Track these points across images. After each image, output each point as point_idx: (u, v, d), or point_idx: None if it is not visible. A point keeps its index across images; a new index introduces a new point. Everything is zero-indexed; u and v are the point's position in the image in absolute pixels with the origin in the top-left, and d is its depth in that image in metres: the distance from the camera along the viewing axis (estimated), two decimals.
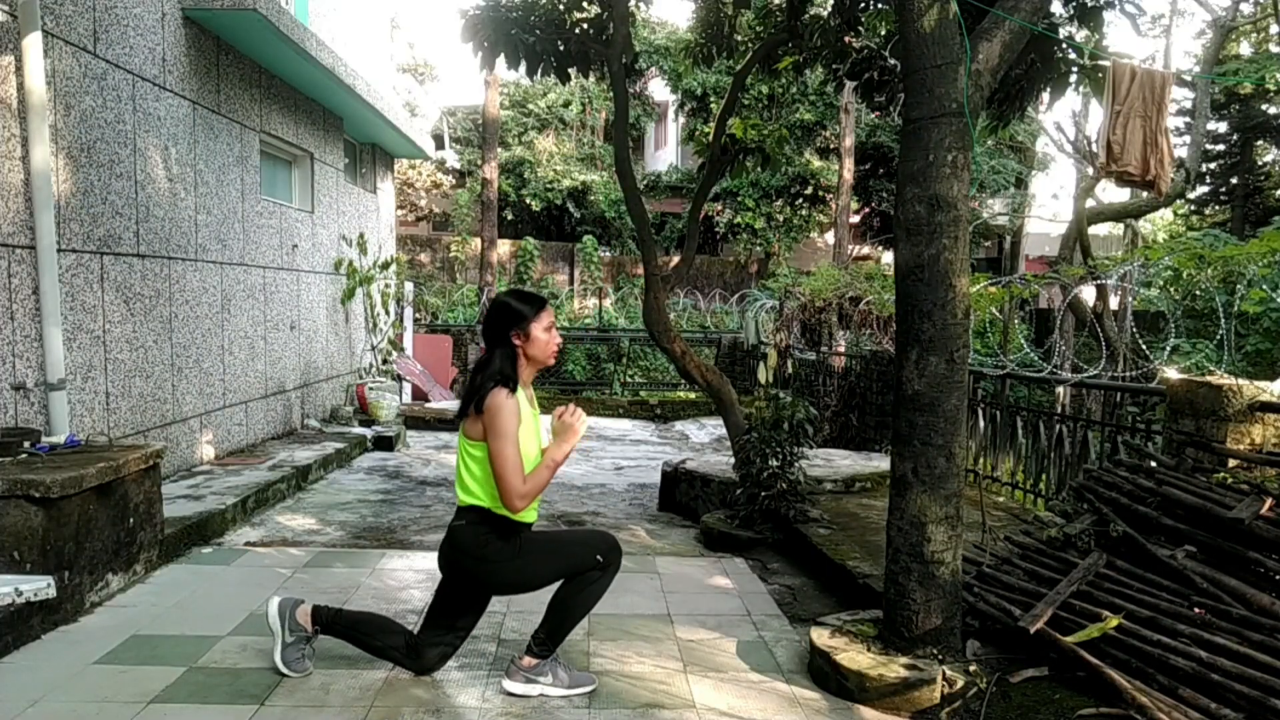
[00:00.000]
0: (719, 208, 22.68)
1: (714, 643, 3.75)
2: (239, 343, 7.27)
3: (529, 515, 3.14)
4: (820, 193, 22.16)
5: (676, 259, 7.90)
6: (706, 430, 11.20)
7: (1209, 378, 4.43)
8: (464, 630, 3.29)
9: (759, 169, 6.56)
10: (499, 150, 20.79)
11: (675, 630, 3.87)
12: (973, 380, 6.52)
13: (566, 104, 25.63)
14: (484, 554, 3.05)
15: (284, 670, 3.21)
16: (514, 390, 3.00)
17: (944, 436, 3.23)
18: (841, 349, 9.53)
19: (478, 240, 18.81)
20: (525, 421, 3.03)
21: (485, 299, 16.67)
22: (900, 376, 3.32)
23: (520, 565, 3.08)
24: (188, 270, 6.39)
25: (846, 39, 6.28)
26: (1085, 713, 2.86)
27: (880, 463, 6.57)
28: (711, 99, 21.87)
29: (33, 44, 4.54)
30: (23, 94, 4.58)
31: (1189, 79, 16.31)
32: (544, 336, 3.08)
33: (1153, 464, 4.15)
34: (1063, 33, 5.48)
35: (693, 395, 12.91)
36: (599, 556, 3.09)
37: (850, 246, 19.60)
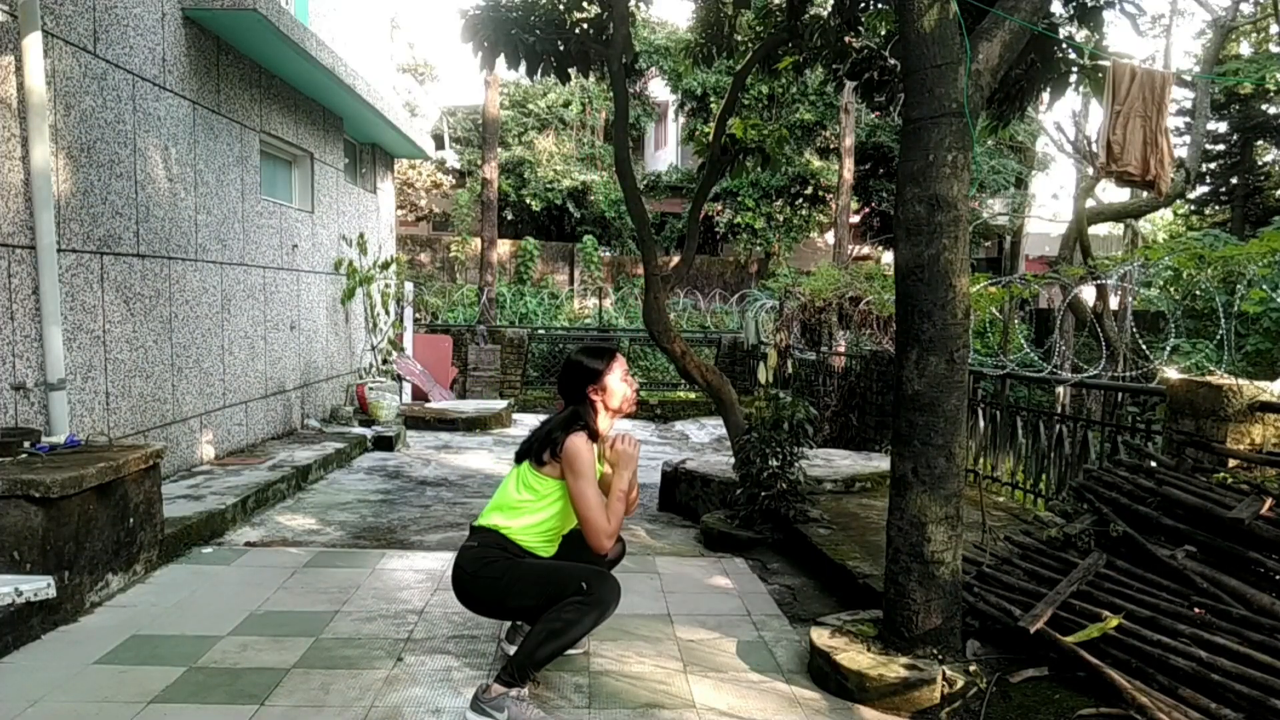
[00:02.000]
0: (719, 208, 22.68)
1: (714, 643, 3.75)
2: (239, 343, 7.27)
3: (548, 549, 3.18)
4: (820, 193, 22.16)
5: (676, 259, 7.90)
6: (706, 430, 11.20)
7: (1209, 378, 4.43)
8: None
9: (759, 169, 6.56)
10: (499, 150, 20.80)
11: (675, 630, 3.87)
12: (973, 380, 6.52)
13: (566, 104, 25.62)
14: (483, 570, 3.05)
15: None
16: (594, 439, 3.08)
17: (944, 436, 3.23)
18: (841, 349, 9.52)
19: (478, 240, 18.81)
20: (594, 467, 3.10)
21: (485, 299, 16.68)
22: (900, 376, 3.32)
23: (507, 581, 3.02)
24: (188, 270, 6.39)
25: (846, 39, 6.28)
26: (1085, 713, 2.86)
27: (880, 463, 6.57)
28: (711, 99, 21.87)
29: (33, 44, 4.54)
30: (23, 94, 4.58)
31: (1189, 79, 16.31)
32: (620, 387, 3.18)
33: (1153, 464, 4.15)
34: (1063, 33, 5.48)
35: (693, 395, 12.91)
36: (584, 584, 2.92)
37: (850, 246, 19.60)
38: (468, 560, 3.08)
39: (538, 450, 3.07)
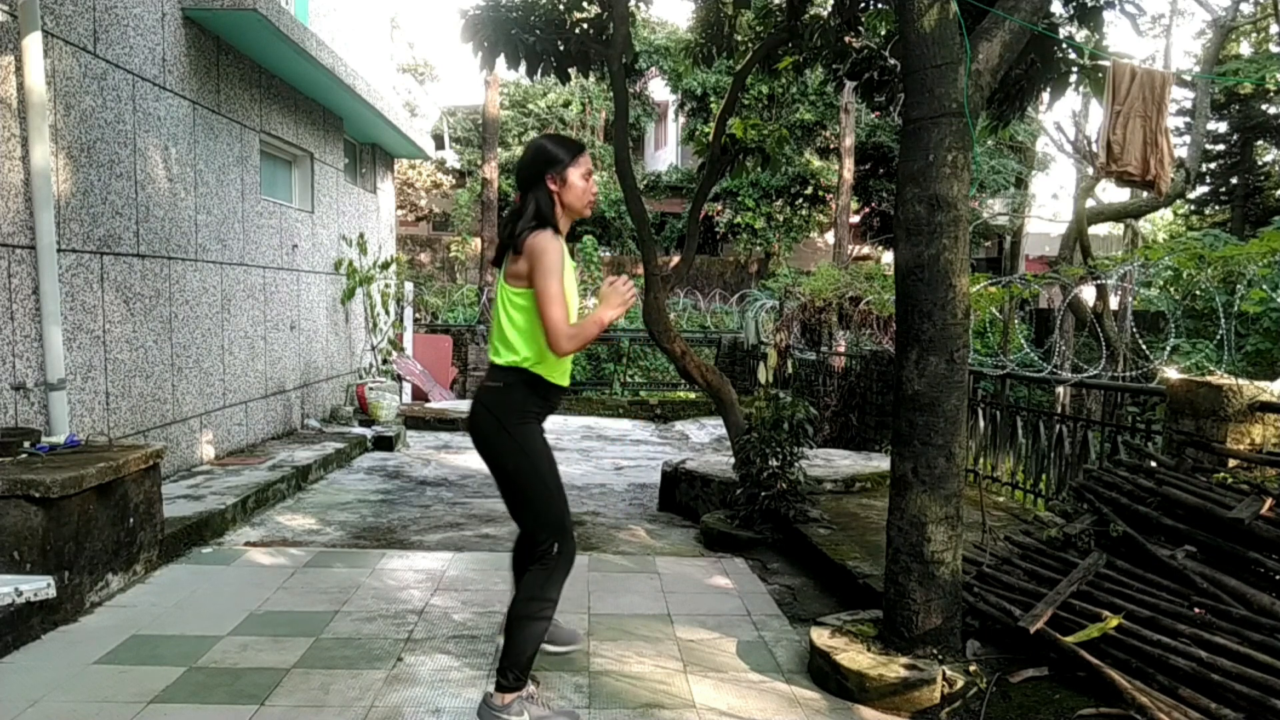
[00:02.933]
0: (719, 208, 22.69)
1: (714, 643, 3.75)
2: (239, 343, 7.27)
3: (564, 376, 2.96)
4: (820, 193, 22.17)
5: (676, 259, 7.91)
6: (706, 430, 11.20)
7: (1209, 378, 4.43)
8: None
9: (759, 169, 6.55)
10: (499, 150, 20.80)
11: (675, 630, 3.87)
12: (973, 380, 6.52)
13: (566, 104, 25.64)
14: (506, 420, 2.85)
15: None
16: (557, 232, 2.85)
17: (944, 436, 3.23)
18: (841, 349, 9.52)
19: (478, 240, 18.82)
20: (567, 270, 2.85)
21: (485, 299, 16.67)
22: (900, 376, 3.32)
23: (522, 454, 2.85)
24: (188, 270, 6.39)
25: (846, 39, 6.28)
26: (1085, 713, 2.86)
27: (880, 463, 6.57)
28: (711, 99, 21.88)
29: (33, 44, 4.54)
30: (23, 94, 4.58)
31: (1189, 79, 16.31)
32: (581, 184, 2.91)
33: (1153, 464, 4.15)
34: (1063, 33, 5.48)
35: (693, 395, 12.91)
36: (555, 545, 2.86)
37: (850, 246, 19.61)
38: (497, 402, 2.88)
39: (516, 244, 2.82)
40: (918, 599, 3.25)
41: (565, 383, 2.98)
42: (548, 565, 2.87)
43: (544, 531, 2.88)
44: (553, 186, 2.88)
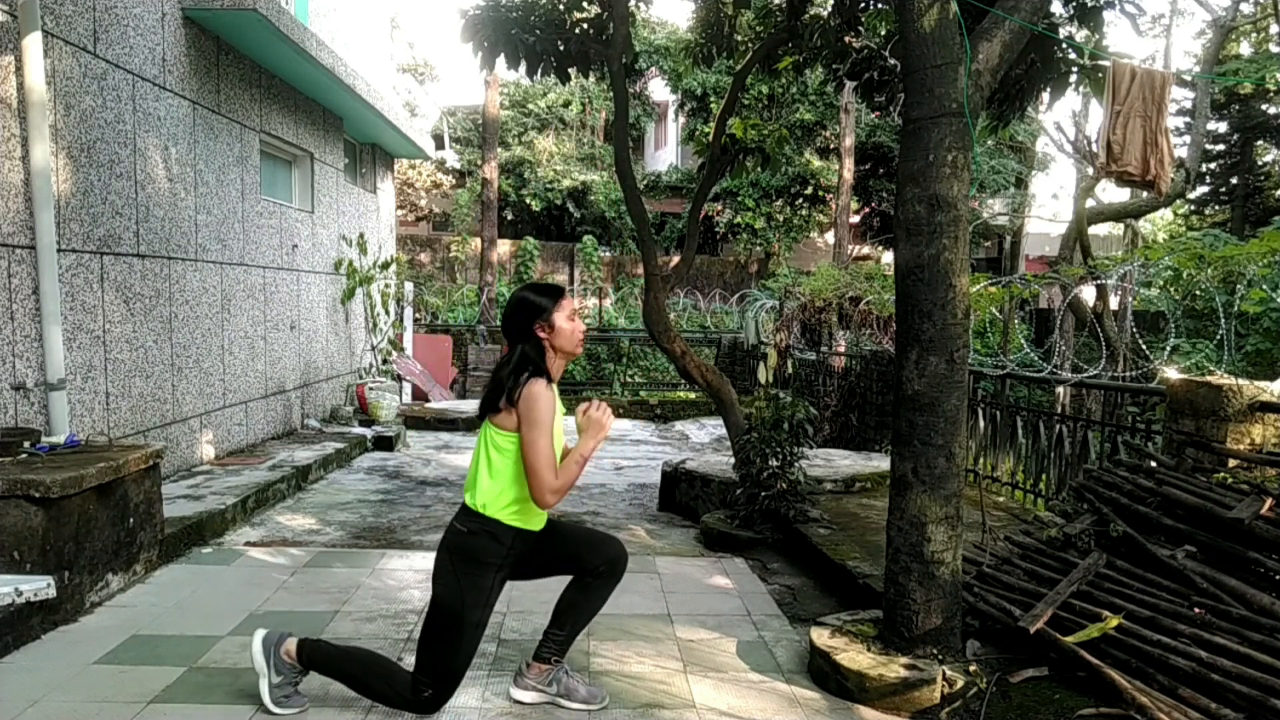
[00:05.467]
0: (719, 208, 22.68)
1: (714, 643, 3.75)
2: (239, 343, 7.27)
3: (539, 521, 3.00)
4: (820, 193, 22.16)
5: (676, 259, 7.90)
6: (706, 430, 11.19)
7: (1209, 378, 4.43)
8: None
9: (759, 169, 6.55)
10: (499, 150, 20.79)
11: (675, 630, 3.87)
12: (973, 380, 6.52)
13: (566, 104, 25.63)
14: (459, 564, 2.87)
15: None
16: (550, 382, 2.91)
17: (944, 436, 3.23)
18: (841, 349, 9.52)
19: (478, 240, 18.81)
20: (557, 419, 2.90)
21: (485, 299, 16.68)
22: (900, 376, 3.32)
23: (458, 597, 2.86)
24: (188, 270, 6.39)
25: (846, 39, 6.28)
26: (1085, 713, 2.86)
27: (880, 463, 6.57)
28: (711, 99, 21.87)
29: (33, 44, 4.54)
30: (23, 93, 4.58)
31: (1189, 79, 16.31)
32: (568, 325, 2.96)
33: (1153, 464, 4.15)
34: (1063, 33, 5.48)
35: (693, 395, 12.90)
36: (417, 681, 2.89)
37: (850, 246, 19.60)
38: (453, 544, 2.92)
39: (494, 399, 2.87)
40: (918, 599, 3.25)
41: (539, 527, 3.01)
42: (416, 701, 2.90)
43: (429, 674, 2.88)
44: (541, 335, 2.93)
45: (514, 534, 2.91)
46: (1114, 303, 12.34)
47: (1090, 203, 12.56)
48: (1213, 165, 22.44)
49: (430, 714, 2.99)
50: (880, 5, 6.02)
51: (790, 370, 8.01)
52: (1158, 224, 25.46)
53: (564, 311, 2.96)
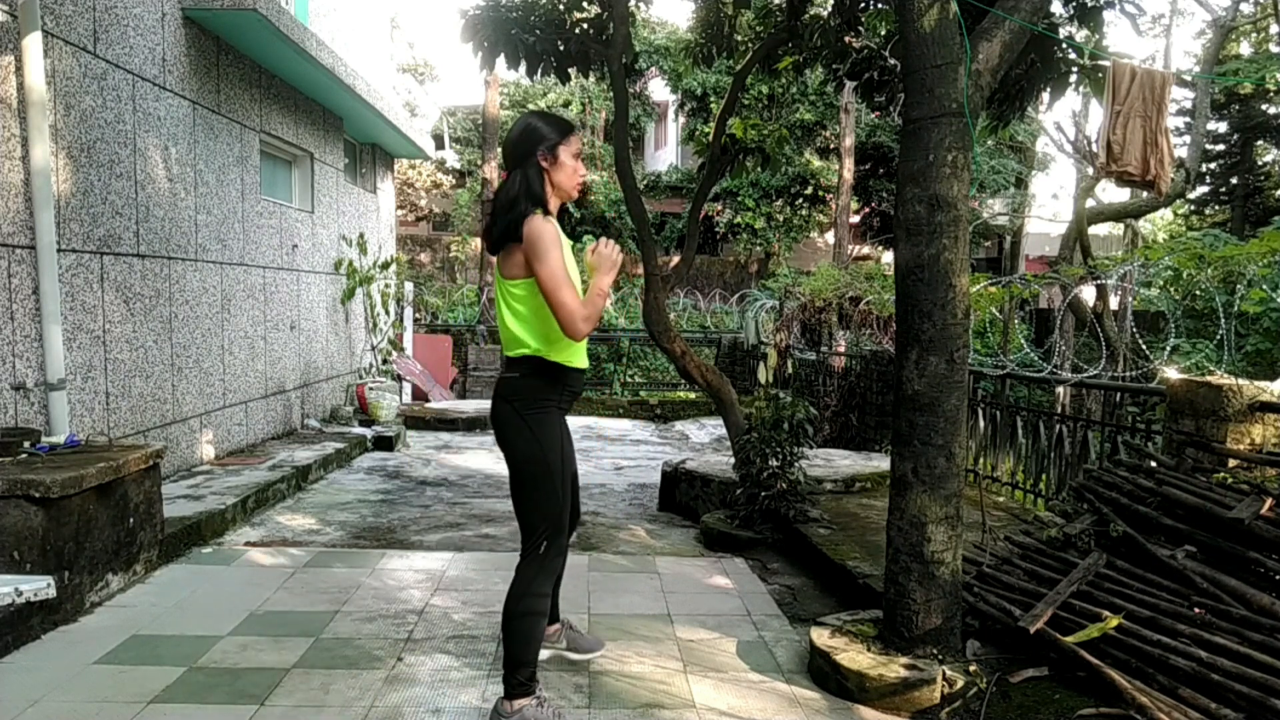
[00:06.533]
0: (719, 208, 22.69)
1: (714, 643, 3.75)
2: (239, 343, 7.27)
3: (580, 358, 2.93)
4: (820, 193, 22.16)
5: (676, 259, 7.90)
6: (706, 430, 11.19)
7: (1209, 378, 4.43)
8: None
9: (759, 169, 6.55)
10: (499, 150, 20.79)
11: (675, 630, 3.87)
12: (973, 380, 6.52)
13: (566, 104, 25.63)
14: (521, 407, 2.84)
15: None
16: (548, 214, 2.80)
17: (944, 436, 3.23)
18: (841, 349, 9.52)
19: (478, 240, 18.82)
20: (566, 249, 2.81)
21: (485, 299, 16.68)
22: (900, 376, 3.32)
23: (534, 442, 2.82)
24: (188, 270, 6.39)
25: (846, 39, 6.28)
26: (1085, 713, 2.86)
27: (880, 463, 6.57)
28: (711, 99, 21.88)
29: (33, 44, 4.54)
30: (23, 93, 4.58)
31: (1189, 79, 16.31)
32: (571, 163, 2.85)
33: (1153, 464, 4.15)
34: (1063, 33, 5.48)
35: (693, 395, 12.90)
36: (545, 543, 2.86)
37: (850, 246, 19.60)
38: (508, 392, 2.88)
39: (499, 239, 2.79)
40: (918, 599, 3.25)
41: (583, 364, 2.97)
42: (537, 560, 2.87)
43: (541, 524, 2.87)
44: (544, 163, 2.83)
45: (558, 369, 2.87)
46: (1114, 303, 12.34)
47: (1090, 203, 12.57)
48: (1213, 165, 22.45)
49: (557, 560, 2.93)
50: (880, 5, 6.02)
51: (790, 370, 8.02)
52: (1158, 224, 25.46)
53: (570, 147, 2.87)
